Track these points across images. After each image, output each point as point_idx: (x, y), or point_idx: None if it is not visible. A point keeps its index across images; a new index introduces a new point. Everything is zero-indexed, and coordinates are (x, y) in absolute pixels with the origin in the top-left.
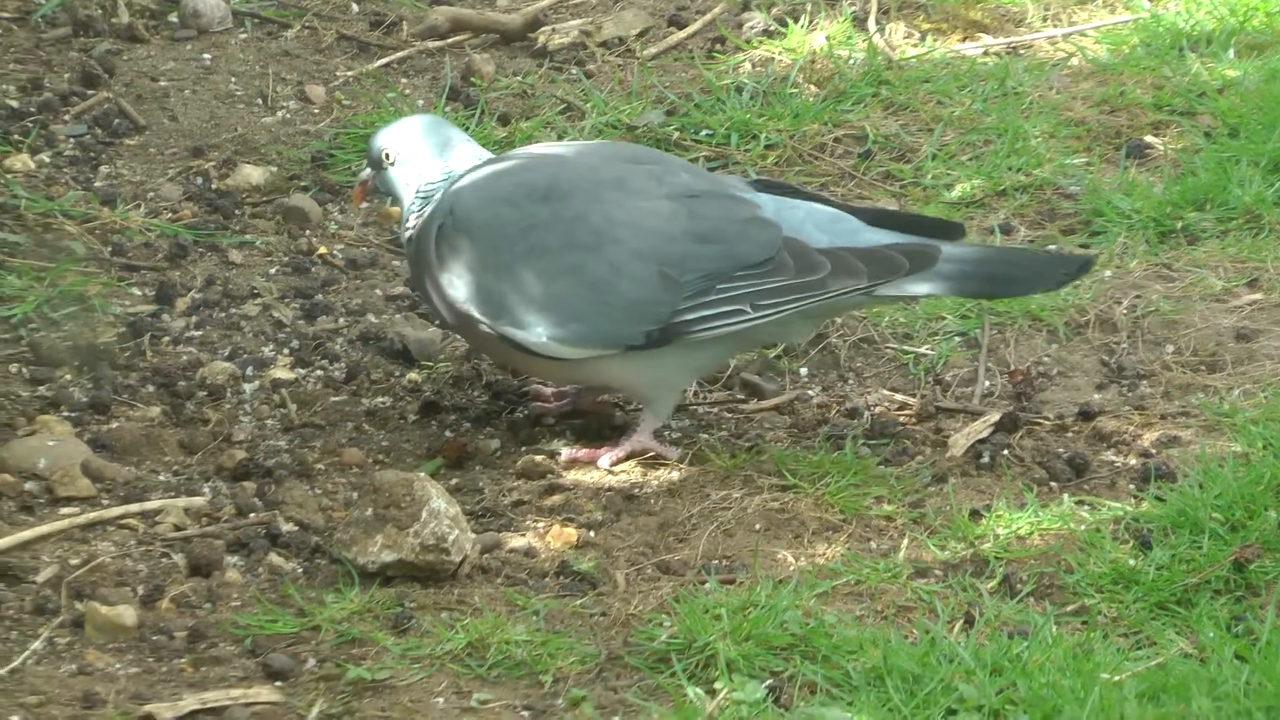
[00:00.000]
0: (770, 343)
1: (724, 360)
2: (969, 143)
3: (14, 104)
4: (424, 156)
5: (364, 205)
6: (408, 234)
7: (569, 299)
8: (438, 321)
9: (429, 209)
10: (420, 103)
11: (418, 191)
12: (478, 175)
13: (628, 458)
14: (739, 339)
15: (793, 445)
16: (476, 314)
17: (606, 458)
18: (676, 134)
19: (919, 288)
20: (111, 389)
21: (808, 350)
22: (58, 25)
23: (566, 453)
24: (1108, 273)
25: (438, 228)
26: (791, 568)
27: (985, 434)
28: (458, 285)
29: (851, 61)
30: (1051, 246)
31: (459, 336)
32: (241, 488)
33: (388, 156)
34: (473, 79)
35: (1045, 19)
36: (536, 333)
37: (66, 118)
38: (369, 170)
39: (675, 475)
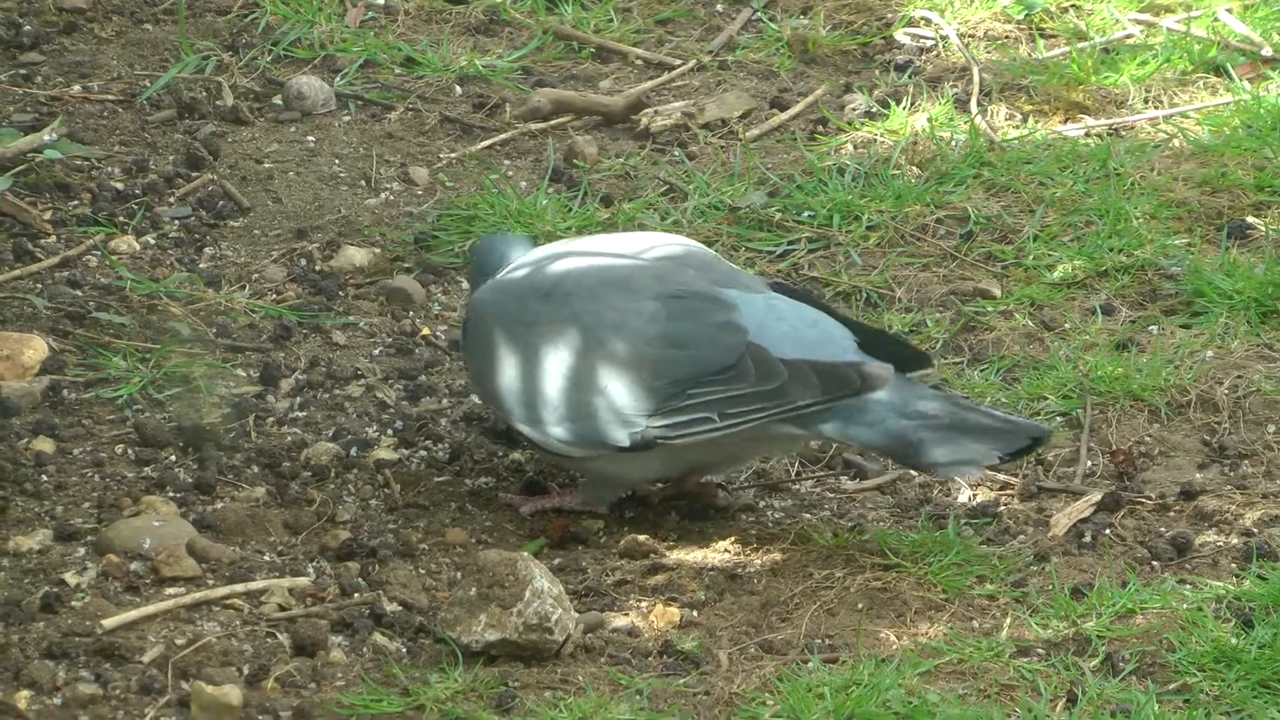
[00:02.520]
0: (758, 458)
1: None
2: (1071, 224)
3: (119, 186)
4: (481, 267)
5: None
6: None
7: (563, 398)
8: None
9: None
10: (523, 184)
11: None
12: (509, 270)
13: (550, 511)
14: (719, 449)
15: (895, 525)
16: (493, 404)
17: (526, 507)
18: (779, 215)
19: (863, 433)
20: (216, 470)
21: None
22: (162, 108)
23: (502, 496)
24: (1209, 353)
25: (464, 320)
26: (894, 647)
27: (1087, 513)
28: (476, 374)
29: (953, 143)
30: (1013, 415)
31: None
32: (345, 568)
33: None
34: (575, 161)
35: (1146, 101)
36: (539, 428)
37: (171, 199)
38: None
39: (778, 555)
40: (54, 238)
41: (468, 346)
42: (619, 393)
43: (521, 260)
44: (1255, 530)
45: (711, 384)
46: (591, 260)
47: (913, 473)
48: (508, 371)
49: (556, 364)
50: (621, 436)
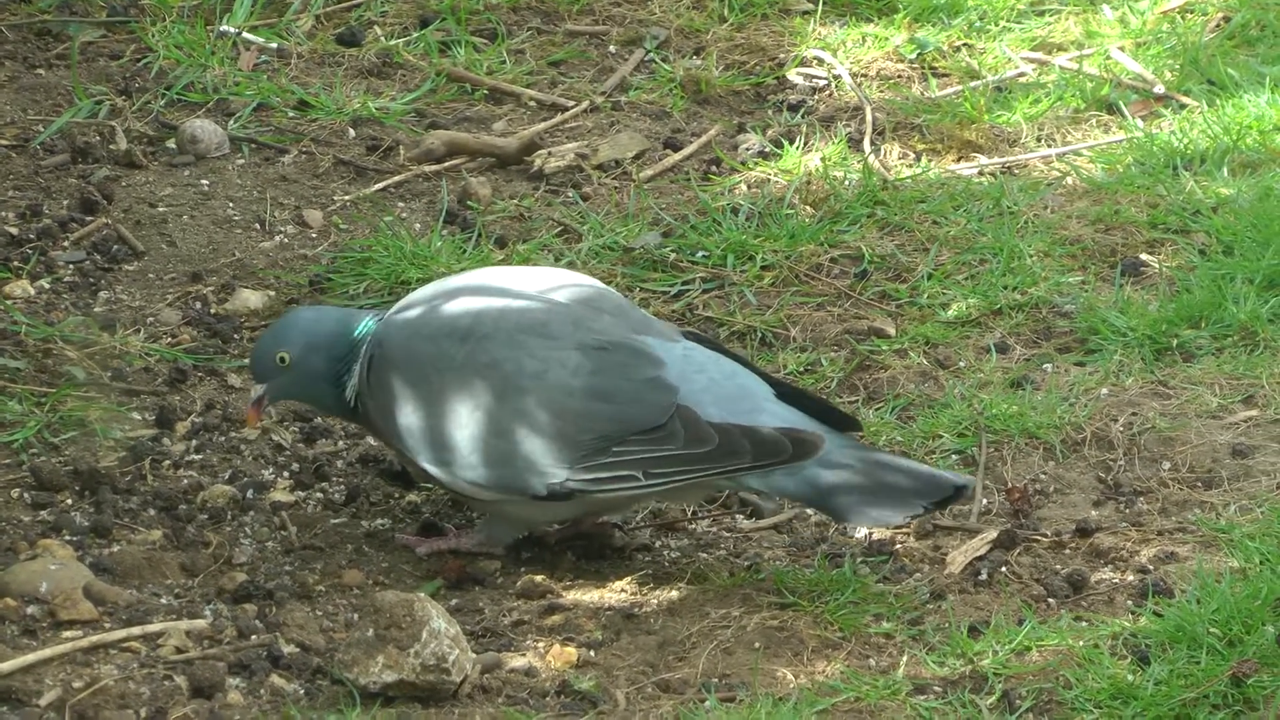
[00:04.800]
0: (664, 504)
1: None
2: (965, 262)
3: (13, 230)
4: (327, 338)
5: (259, 426)
6: (350, 393)
7: (478, 444)
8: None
9: (364, 365)
10: (418, 226)
11: (336, 376)
12: (405, 313)
13: (446, 553)
14: (636, 499)
15: (791, 564)
16: (399, 445)
17: (422, 548)
18: (673, 255)
19: (787, 484)
20: (113, 513)
21: None
22: (56, 152)
23: (399, 537)
24: (1104, 390)
25: (369, 358)
26: (791, 685)
27: (983, 551)
28: (383, 415)
29: (847, 182)
30: (936, 469)
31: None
32: (243, 610)
33: (283, 359)
34: (469, 202)
35: (1039, 139)
36: (450, 471)
37: (65, 244)
38: (261, 387)
39: (675, 594)
40: None
41: (373, 384)
42: (540, 444)
43: (413, 297)
44: (1151, 567)
45: (638, 442)
46: (503, 300)
47: (810, 512)
48: (418, 413)
49: (474, 410)
50: (539, 486)
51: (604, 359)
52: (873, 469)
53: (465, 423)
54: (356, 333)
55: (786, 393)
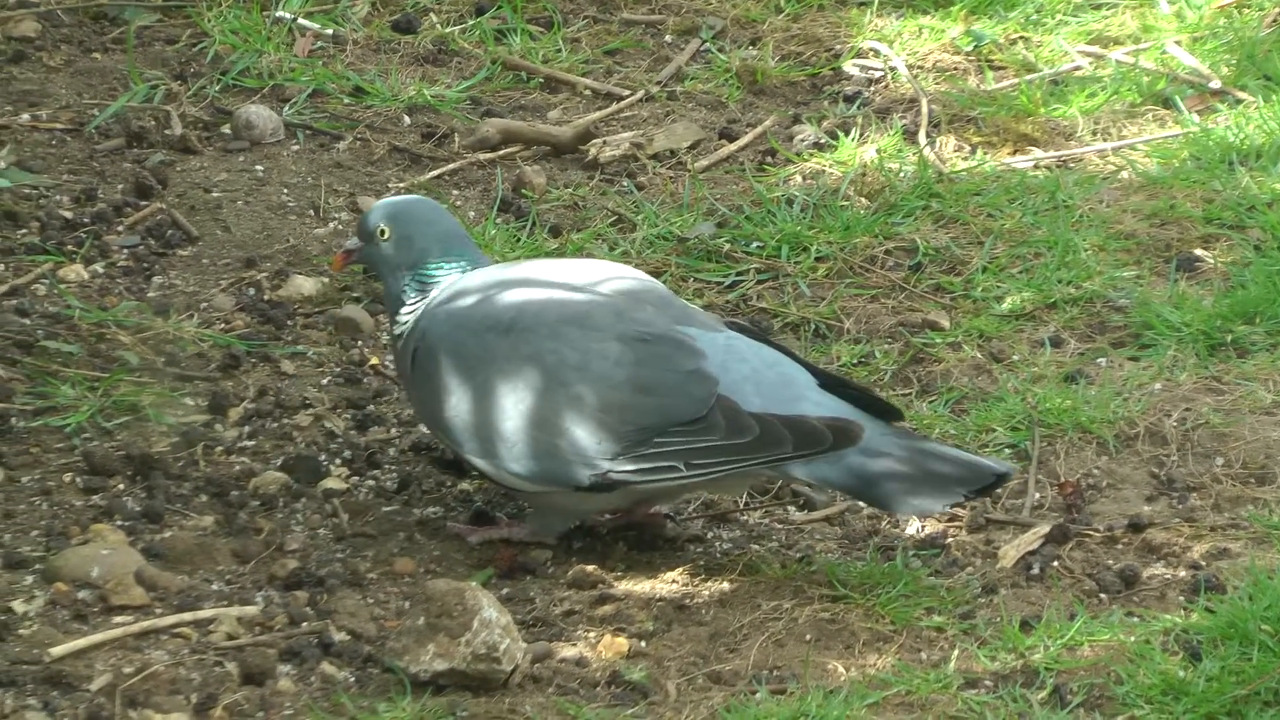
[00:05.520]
0: (714, 495)
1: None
2: (1019, 255)
3: (68, 215)
4: (419, 244)
5: (339, 273)
6: (398, 330)
7: (521, 436)
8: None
9: (417, 312)
10: (471, 214)
11: (407, 282)
12: (455, 302)
13: (498, 542)
14: (682, 489)
15: (843, 556)
16: (444, 437)
17: (473, 537)
18: (727, 246)
19: (829, 472)
20: (165, 498)
21: None
22: (111, 137)
23: (451, 525)
24: (1158, 385)
25: (413, 350)
26: (842, 678)
27: (1035, 546)
28: (427, 405)
29: (902, 174)
30: (974, 454)
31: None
32: (294, 597)
33: (383, 233)
34: (524, 191)
35: (1095, 133)
36: (494, 463)
37: (120, 228)
38: (356, 240)
39: (726, 585)
40: (2, 266)
41: (418, 376)
42: (582, 435)
43: (466, 284)
44: (1203, 563)
45: (679, 434)
46: (547, 292)
47: (862, 505)
48: (463, 405)
49: (517, 402)
50: (582, 477)
51: (645, 350)
52: (915, 456)
53: (508, 415)
54: (440, 266)
55: (829, 381)
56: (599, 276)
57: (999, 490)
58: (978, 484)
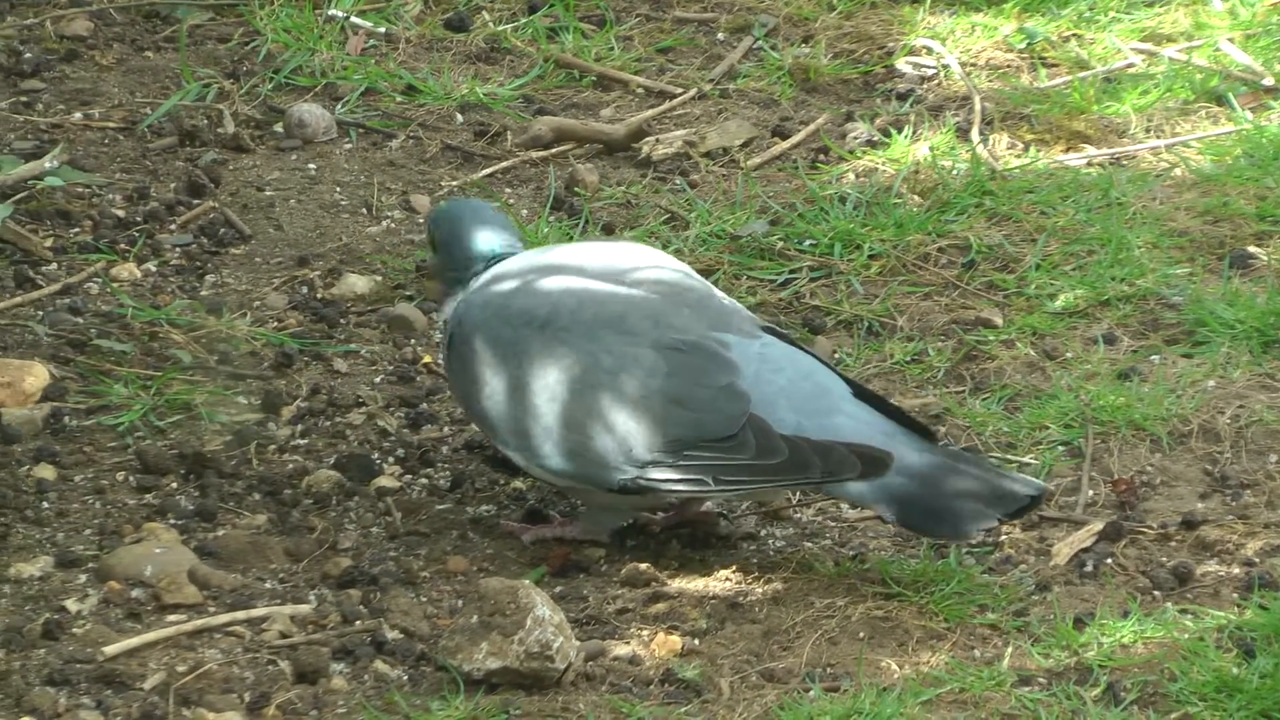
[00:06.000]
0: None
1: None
2: (1072, 253)
3: (120, 213)
4: (456, 249)
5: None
6: (440, 319)
7: (552, 434)
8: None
9: (456, 299)
10: (524, 212)
11: (452, 280)
12: (492, 288)
13: (551, 540)
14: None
15: (896, 554)
16: (479, 425)
17: (528, 535)
18: (780, 244)
19: (862, 491)
20: (218, 497)
21: None
22: (164, 135)
23: (504, 524)
24: (1211, 383)
25: (449, 337)
26: (895, 676)
27: (1089, 543)
28: (463, 392)
29: (955, 172)
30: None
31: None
32: (347, 595)
33: (430, 240)
34: (577, 189)
35: (1148, 130)
36: (526, 456)
37: (172, 227)
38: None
39: (779, 583)
40: (55, 265)
41: (453, 365)
42: (612, 441)
43: (504, 270)
44: (1257, 560)
45: (709, 449)
46: (584, 285)
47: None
48: (497, 396)
49: (550, 400)
50: (612, 480)
51: (680, 361)
52: (947, 478)
53: (542, 413)
54: (481, 263)
55: (863, 392)
56: (636, 266)
57: (1037, 510)
58: (1010, 507)
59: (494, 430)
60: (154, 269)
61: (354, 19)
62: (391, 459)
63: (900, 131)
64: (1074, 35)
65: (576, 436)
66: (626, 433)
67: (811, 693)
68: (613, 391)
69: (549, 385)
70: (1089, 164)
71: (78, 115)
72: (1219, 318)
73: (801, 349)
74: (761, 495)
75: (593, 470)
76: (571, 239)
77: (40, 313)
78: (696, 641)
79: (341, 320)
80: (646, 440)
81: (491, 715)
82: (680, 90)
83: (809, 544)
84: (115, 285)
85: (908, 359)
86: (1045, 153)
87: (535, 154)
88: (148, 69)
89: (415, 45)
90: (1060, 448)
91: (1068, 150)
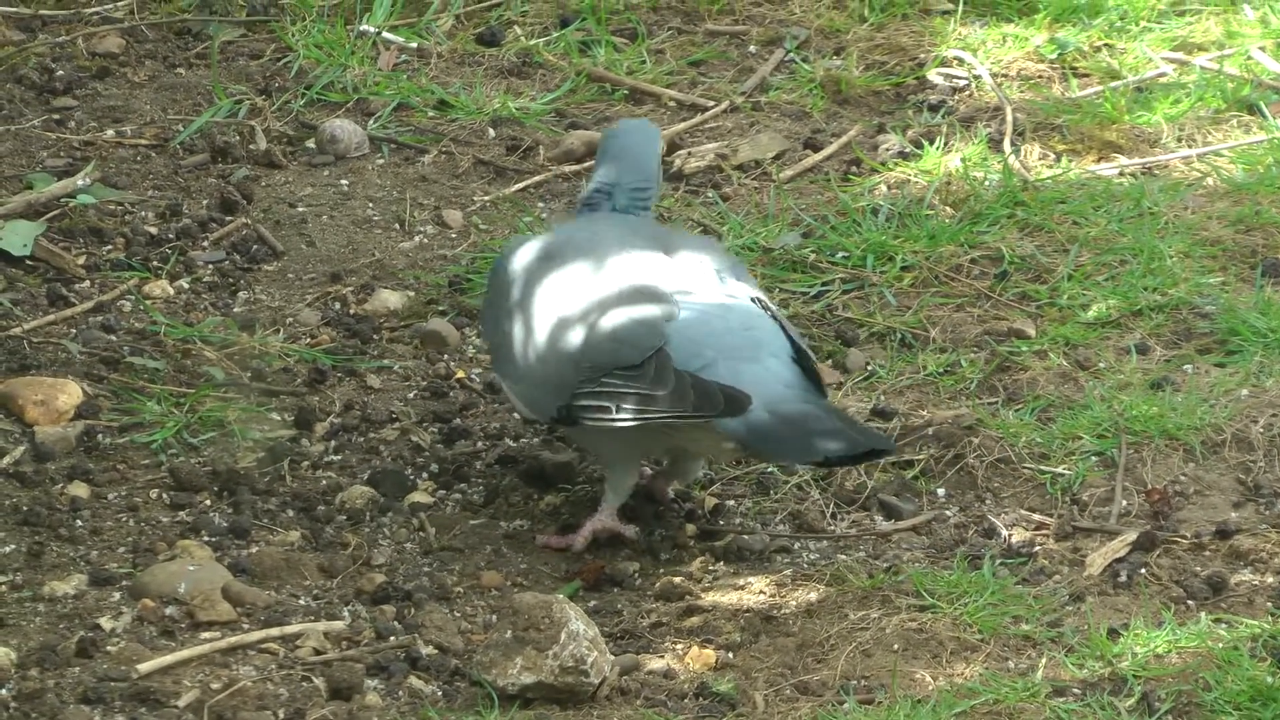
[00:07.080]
0: (688, 452)
1: (659, 451)
2: (1105, 263)
3: (153, 230)
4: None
5: None
6: None
7: (517, 361)
8: None
9: None
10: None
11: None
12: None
13: (593, 537)
14: (643, 435)
15: (930, 565)
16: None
17: (578, 539)
18: (813, 256)
19: (735, 426)
20: (251, 513)
21: (944, 470)
22: (196, 152)
23: (540, 539)
24: (1244, 392)
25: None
26: (930, 688)
27: (1123, 553)
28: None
29: (987, 183)
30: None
31: None
32: (381, 611)
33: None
34: None
35: (1180, 139)
36: (507, 384)
37: (205, 244)
38: None
39: (813, 596)
40: (88, 283)
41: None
42: (554, 367)
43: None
44: None
45: (620, 377)
46: (601, 242)
47: (948, 514)
48: (488, 325)
49: (519, 328)
50: (550, 408)
51: (619, 297)
52: (808, 421)
53: (514, 341)
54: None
55: (805, 359)
56: (671, 247)
57: (878, 462)
58: (856, 449)
59: (491, 356)
60: (186, 286)
61: (386, 34)
62: (425, 474)
63: (932, 143)
64: (1105, 45)
65: (533, 365)
66: (563, 360)
67: (846, 705)
68: (555, 319)
69: (520, 315)
70: (1121, 174)
71: (110, 133)
72: (1252, 327)
73: (781, 324)
74: (678, 441)
75: (540, 399)
76: None
77: (73, 331)
78: (731, 655)
79: (374, 336)
80: (576, 365)
81: None
82: (712, 103)
83: (842, 556)
84: (148, 303)
85: (941, 370)
86: (1077, 163)
87: (568, 168)
88: (179, 86)
89: (447, 60)
90: (1094, 458)
91: (1099, 160)
